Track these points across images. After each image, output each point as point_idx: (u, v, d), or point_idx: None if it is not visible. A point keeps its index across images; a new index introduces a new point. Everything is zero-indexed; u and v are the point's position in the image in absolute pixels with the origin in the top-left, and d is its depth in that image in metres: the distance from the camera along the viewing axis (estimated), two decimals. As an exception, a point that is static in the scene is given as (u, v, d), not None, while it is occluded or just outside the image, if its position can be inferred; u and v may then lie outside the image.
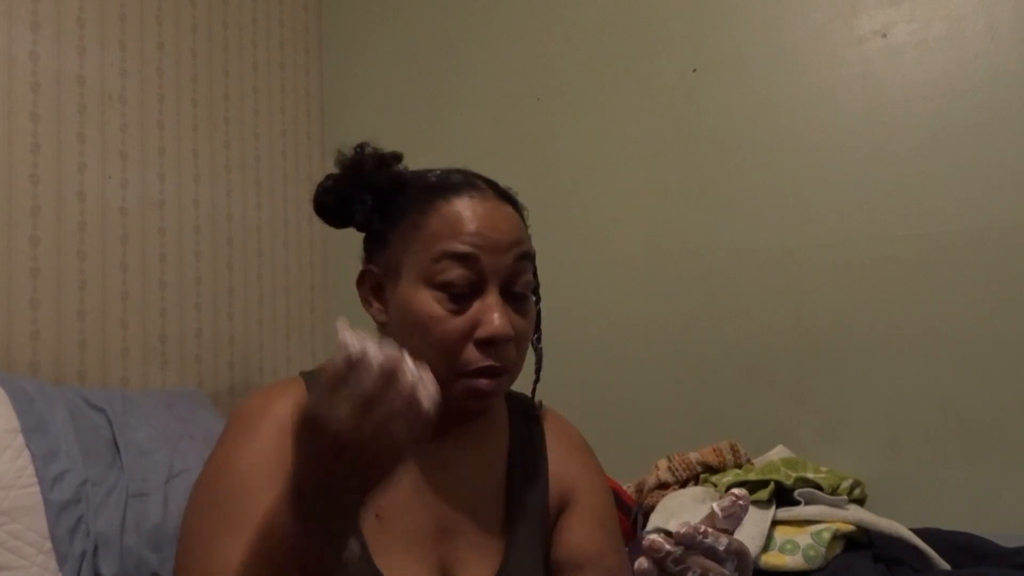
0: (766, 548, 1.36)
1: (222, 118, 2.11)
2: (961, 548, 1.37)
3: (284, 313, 2.27)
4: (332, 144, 2.42)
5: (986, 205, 1.67)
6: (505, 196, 0.81)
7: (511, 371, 0.78)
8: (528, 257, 0.79)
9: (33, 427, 1.36)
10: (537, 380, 0.89)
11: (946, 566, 1.33)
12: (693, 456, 1.68)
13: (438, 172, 0.83)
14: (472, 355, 0.75)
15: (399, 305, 0.78)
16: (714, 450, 1.68)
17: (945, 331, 1.69)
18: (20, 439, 1.33)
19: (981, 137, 1.68)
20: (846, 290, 1.78)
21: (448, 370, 0.74)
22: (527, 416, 0.91)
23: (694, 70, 1.96)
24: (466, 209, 0.77)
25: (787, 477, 1.49)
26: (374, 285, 0.82)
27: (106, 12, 1.81)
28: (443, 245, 0.75)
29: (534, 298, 0.83)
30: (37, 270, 1.64)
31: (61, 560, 1.29)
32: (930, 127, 1.73)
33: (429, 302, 0.75)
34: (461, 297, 0.75)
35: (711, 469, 1.67)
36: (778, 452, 1.73)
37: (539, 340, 0.87)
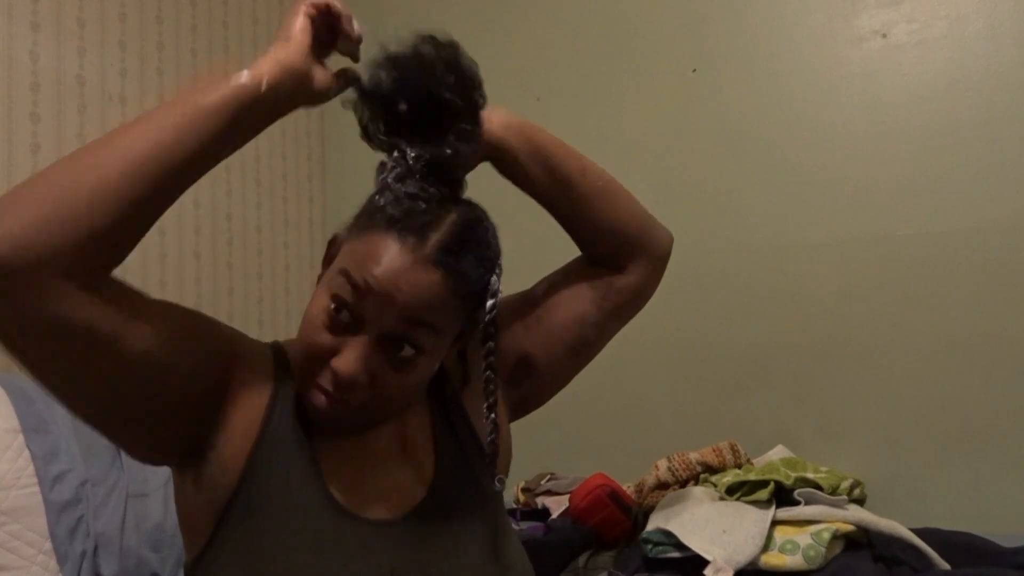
0: (766, 548, 1.36)
1: (222, 118, 2.11)
2: (961, 548, 1.37)
3: (284, 312, 2.27)
4: (332, 144, 2.44)
5: (986, 205, 1.67)
6: (445, 264, 0.75)
7: (367, 408, 0.78)
8: (424, 326, 0.76)
9: (33, 427, 1.36)
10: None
11: (946, 566, 1.33)
12: (693, 456, 1.68)
13: (422, 198, 0.78)
14: (323, 373, 0.76)
15: (315, 293, 0.80)
16: (714, 450, 1.68)
17: (945, 331, 1.69)
18: (20, 439, 1.34)
19: (981, 137, 1.68)
20: (846, 290, 1.78)
21: (306, 371, 0.78)
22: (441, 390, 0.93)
23: (694, 70, 1.96)
24: (385, 250, 0.75)
25: (787, 477, 1.49)
26: (328, 257, 0.85)
27: (106, 12, 1.81)
28: (350, 265, 0.76)
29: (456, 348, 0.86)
30: (37, 270, 1.64)
31: (61, 560, 1.29)
32: (930, 127, 1.73)
33: (320, 308, 0.77)
34: (340, 319, 0.75)
35: (711, 469, 1.67)
36: (778, 452, 1.73)
37: (489, 410, 0.83)
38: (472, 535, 0.84)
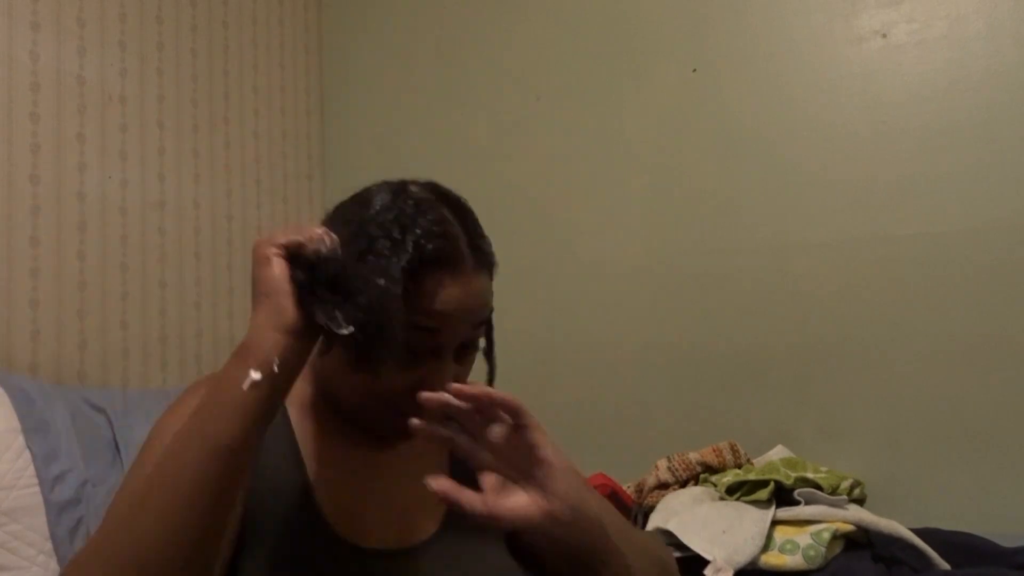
0: (766, 548, 1.36)
1: (222, 118, 2.11)
2: (961, 548, 1.37)
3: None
4: (332, 144, 2.44)
5: (986, 205, 1.67)
6: (480, 261, 0.78)
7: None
8: (487, 322, 0.81)
9: (33, 427, 1.36)
10: (491, 378, 0.90)
11: (946, 566, 1.33)
12: (693, 456, 1.68)
13: (424, 221, 0.75)
14: (411, 406, 0.73)
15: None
16: (714, 450, 1.69)
17: (945, 331, 1.69)
18: (20, 439, 1.33)
19: (981, 137, 1.68)
20: (846, 290, 1.78)
21: (383, 409, 0.78)
22: None
23: (694, 70, 1.96)
24: (442, 287, 0.75)
25: (787, 477, 1.49)
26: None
27: (106, 12, 1.81)
28: (420, 318, 0.74)
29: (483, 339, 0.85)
30: (37, 270, 1.64)
31: (61, 561, 1.29)
32: (930, 127, 1.73)
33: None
34: (414, 359, 0.76)
35: (711, 469, 1.67)
36: (778, 452, 1.73)
37: (491, 350, 0.87)
38: (490, 570, 0.82)
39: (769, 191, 1.87)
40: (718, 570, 1.30)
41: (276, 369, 0.64)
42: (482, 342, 0.85)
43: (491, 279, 0.81)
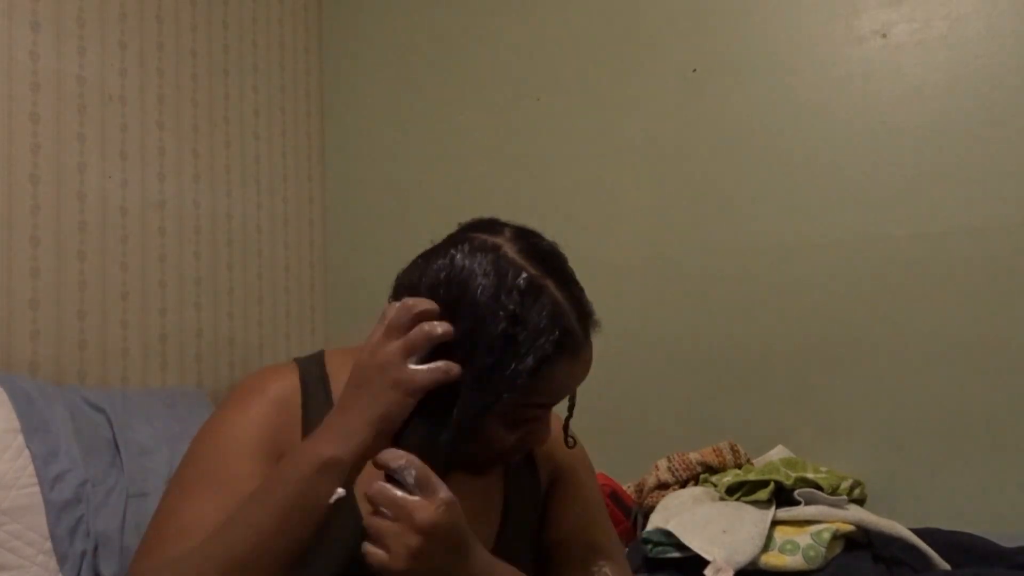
0: (766, 548, 1.36)
1: (222, 118, 2.11)
2: (961, 548, 1.37)
3: (284, 313, 2.27)
4: (332, 144, 2.44)
5: (986, 205, 1.67)
6: (588, 329, 0.80)
7: None
8: None
9: (33, 427, 1.36)
10: (570, 416, 0.89)
11: (946, 566, 1.33)
12: (693, 456, 1.68)
13: (530, 339, 0.72)
14: (513, 450, 0.78)
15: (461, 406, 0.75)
16: (714, 450, 1.69)
17: (945, 331, 1.69)
18: (20, 439, 1.34)
19: (981, 137, 1.68)
20: (846, 290, 1.78)
21: (487, 456, 0.78)
22: None
23: (694, 70, 1.96)
24: (564, 375, 0.76)
25: (787, 477, 1.49)
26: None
27: (106, 12, 1.81)
28: (536, 399, 0.75)
29: None
30: (37, 270, 1.64)
31: (61, 560, 1.29)
32: (930, 127, 1.73)
33: (499, 432, 0.76)
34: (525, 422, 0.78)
35: (711, 469, 1.67)
36: (778, 452, 1.73)
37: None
38: None
39: (769, 191, 1.87)
40: (718, 570, 1.30)
41: (351, 486, 0.68)
42: None
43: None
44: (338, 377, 0.81)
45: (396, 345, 0.68)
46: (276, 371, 0.84)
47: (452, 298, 0.71)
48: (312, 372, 0.83)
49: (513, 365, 0.70)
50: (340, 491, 0.66)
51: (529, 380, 0.71)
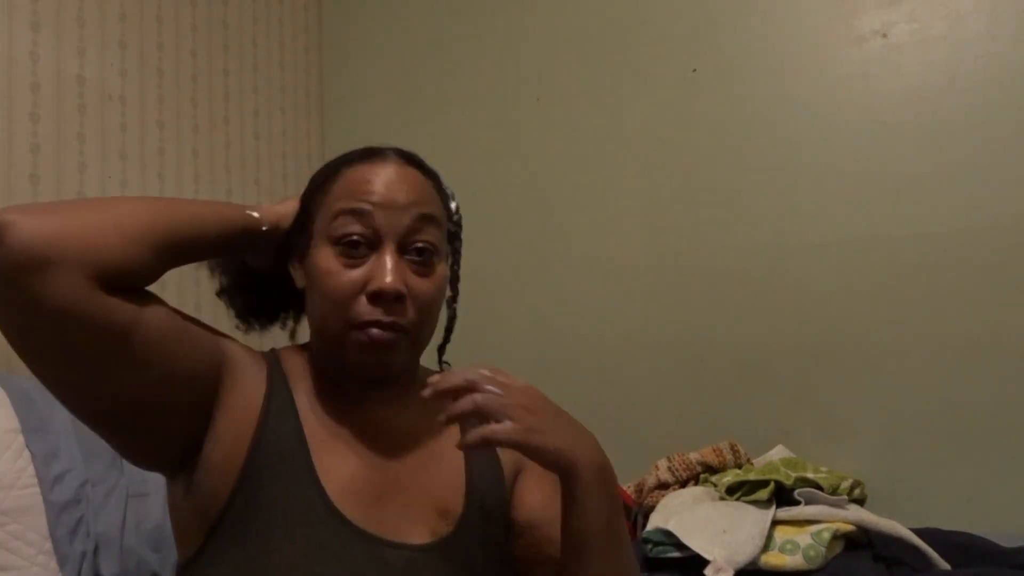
0: (766, 548, 1.36)
1: (222, 118, 2.11)
2: (961, 548, 1.37)
3: (284, 313, 2.27)
4: (332, 144, 2.44)
5: (986, 205, 1.67)
6: (411, 161, 0.85)
7: (411, 331, 0.80)
8: (429, 219, 0.82)
9: (33, 427, 1.36)
10: (446, 341, 0.93)
11: (946, 566, 1.33)
12: (693, 456, 1.68)
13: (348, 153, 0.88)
14: (363, 308, 0.78)
15: (310, 265, 0.82)
16: (714, 450, 1.69)
17: (945, 331, 1.69)
18: (20, 439, 1.33)
19: (981, 137, 1.68)
20: (846, 290, 1.78)
21: (341, 322, 0.79)
22: None
23: (694, 70, 1.96)
24: (367, 172, 0.82)
25: (787, 477, 1.49)
26: (298, 255, 0.86)
27: (106, 12, 1.81)
28: (342, 203, 0.81)
29: (448, 262, 0.87)
30: (37, 270, 1.64)
31: (61, 560, 1.29)
32: (930, 127, 1.73)
33: (328, 257, 0.79)
34: (357, 253, 0.79)
35: (711, 469, 1.67)
36: (778, 452, 1.73)
37: (454, 300, 0.90)
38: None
39: (769, 191, 1.87)
40: (718, 570, 1.30)
41: (263, 228, 0.83)
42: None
43: (432, 184, 0.85)
44: (294, 374, 0.84)
45: None
46: (256, 355, 0.86)
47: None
48: (275, 366, 0.85)
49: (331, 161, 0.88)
50: (256, 214, 0.83)
51: (333, 176, 0.85)
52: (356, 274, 0.78)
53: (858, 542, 1.41)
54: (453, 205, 0.89)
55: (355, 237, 0.78)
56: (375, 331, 0.77)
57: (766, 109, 1.88)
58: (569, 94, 2.11)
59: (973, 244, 1.68)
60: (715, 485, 1.60)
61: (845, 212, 1.79)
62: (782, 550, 1.35)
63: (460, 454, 0.86)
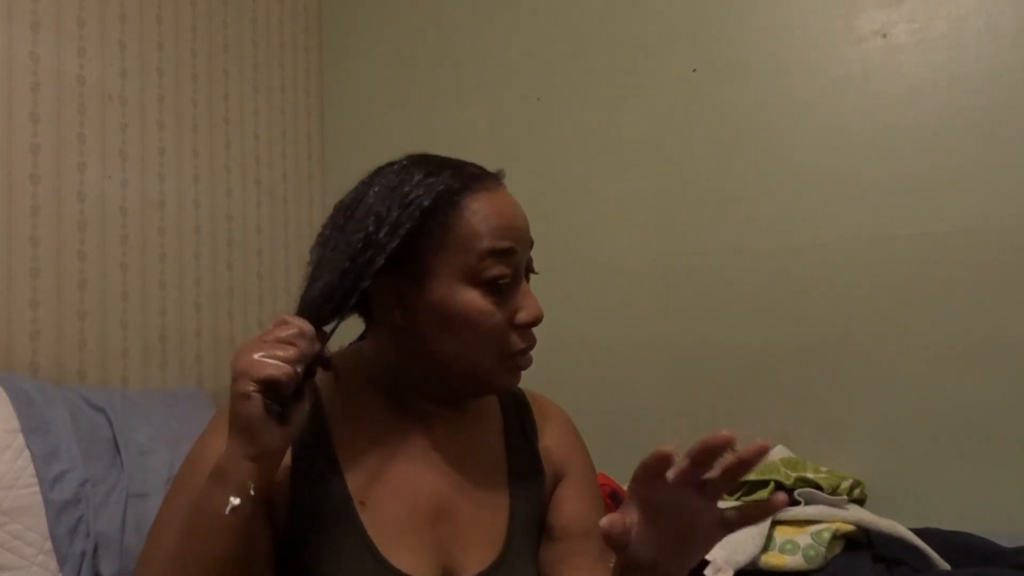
0: (766, 548, 1.36)
1: (222, 118, 2.11)
2: (961, 548, 1.37)
3: (284, 313, 2.27)
4: (332, 144, 2.44)
5: (986, 205, 1.67)
6: (498, 177, 0.85)
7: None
8: (532, 242, 0.83)
9: (33, 427, 1.36)
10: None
11: (946, 566, 1.33)
12: (693, 456, 1.68)
13: (442, 169, 0.79)
14: (515, 340, 0.79)
15: (433, 307, 0.77)
16: (714, 450, 1.68)
17: (945, 331, 1.69)
18: (20, 439, 1.33)
19: (981, 137, 1.68)
20: (846, 290, 1.78)
21: (495, 356, 0.79)
22: (515, 398, 0.93)
23: (694, 70, 1.96)
24: (496, 204, 0.78)
25: (787, 477, 1.49)
26: (394, 293, 0.79)
27: (106, 12, 1.81)
28: (486, 243, 0.76)
29: None
30: (37, 270, 1.64)
31: (61, 560, 1.29)
32: (930, 127, 1.73)
33: (476, 299, 0.77)
34: (503, 290, 0.78)
35: (711, 469, 1.66)
36: (778, 452, 1.73)
37: None
38: None
39: (769, 191, 1.87)
40: (718, 570, 1.30)
41: (252, 492, 0.69)
42: None
43: None
44: (333, 405, 0.81)
45: (251, 342, 0.71)
46: None
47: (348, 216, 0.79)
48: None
49: (399, 211, 0.75)
50: (234, 500, 0.68)
51: (452, 213, 0.75)
52: (505, 311, 0.78)
53: (858, 542, 1.41)
54: None
55: (505, 280, 0.77)
56: (525, 359, 0.80)
57: (766, 109, 1.88)
58: (569, 94, 2.11)
59: (973, 244, 1.68)
60: (715, 485, 1.59)
61: (845, 213, 1.79)
62: (782, 550, 1.35)
63: (503, 467, 0.86)
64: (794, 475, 1.50)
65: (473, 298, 0.76)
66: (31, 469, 1.31)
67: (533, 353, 0.82)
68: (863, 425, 1.75)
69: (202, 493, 0.69)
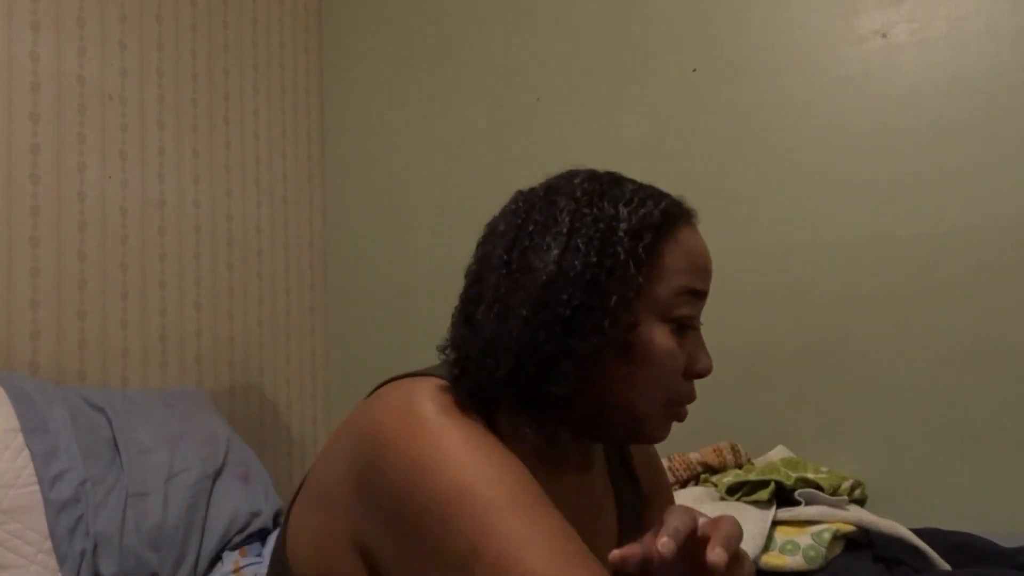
0: (766, 548, 1.36)
1: (222, 118, 2.11)
2: (961, 548, 1.37)
3: (284, 313, 2.27)
4: (332, 144, 2.44)
5: (986, 205, 1.67)
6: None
7: None
8: None
9: (33, 427, 1.36)
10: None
11: (946, 566, 1.33)
12: (693, 456, 1.68)
13: (647, 195, 0.74)
14: (686, 388, 0.74)
15: (637, 338, 0.70)
16: (714, 450, 1.68)
17: (945, 331, 1.69)
18: (20, 439, 1.34)
19: (981, 137, 1.68)
20: (846, 290, 1.78)
21: (663, 400, 0.72)
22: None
23: (694, 70, 1.96)
24: (699, 242, 0.75)
25: (787, 477, 1.49)
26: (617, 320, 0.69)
27: (106, 12, 1.81)
28: (686, 281, 0.72)
29: None
30: (37, 270, 1.64)
31: (61, 559, 1.29)
32: (930, 127, 1.73)
33: (665, 335, 0.71)
34: (686, 332, 0.74)
35: (711, 469, 1.67)
36: (778, 452, 1.73)
37: None
38: None
39: (769, 191, 1.87)
40: (718, 570, 1.29)
41: None
42: None
43: None
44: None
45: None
46: (426, 388, 0.69)
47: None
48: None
49: (617, 243, 0.68)
50: None
51: (664, 229, 0.70)
52: (684, 355, 0.73)
53: (858, 542, 1.41)
54: None
55: (691, 323, 0.73)
56: (684, 411, 0.74)
57: (766, 109, 1.88)
58: (569, 94, 2.11)
59: (973, 244, 1.68)
60: (715, 485, 1.59)
61: (845, 212, 1.79)
62: (782, 550, 1.35)
63: (610, 495, 0.83)
64: (794, 475, 1.50)
65: (662, 333, 0.71)
66: (31, 468, 1.31)
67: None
68: (863, 425, 1.75)
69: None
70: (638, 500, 0.88)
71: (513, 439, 0.68)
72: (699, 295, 0.74)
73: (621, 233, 0.69)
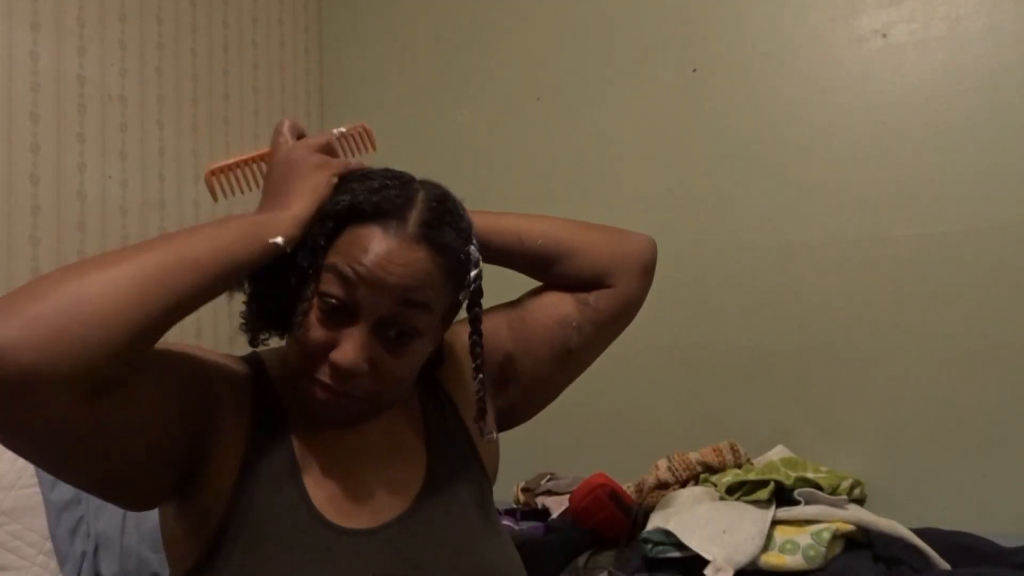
0: (766, 548, 1.36)
1: (222, 118, 2.11)
2: (961, 548, 1.37)
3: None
4: (332, 144, 2.43)
5: (986, 205, 1.67)
6: (427, 242, 0.78)
7: (366, 399, 0.80)
8: (416, 305, 0.78)
9: (33, 427, 1.36)
10: (480, 413, 0.89)
11: (946, 566, 1.33)
12: (693, 456, 1.68)
13: (390, 187, 0.81)
14: (322, 369, 0.78)
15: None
16: (714, 450, 1.68)
17: (945, 332, 1.69)
18: (20, 439, 1.33)
19: (981, 137, 1.68)
20: (846, 290, 1.78)
21: (301, 369, 0.79)
22: (428, 377, 0.94)
23: (694, 70, 1.96)
24: (369, 237, 0.77)
25: (787, 477, 1.49)
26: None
27: (106, 12, 1.81)
28: (335, 260, 0.78)
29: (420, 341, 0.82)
30: (37, 270, 1.64)
31: (61, 560, 1.29)
32: (930, 127, 1.73)
33: (312, 307, 0.78)
34: (335, 314, 0.77)
35: (711, 469, 1.67)
36: (778, 452, 1.73)
37: (478, 371, 0.87)
38: (462, 538, 0.83)
39: (769, 191, 1.87)
40: (718, 570, 1.30)
41: (288, 249, 0.76)
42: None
43: (442, 273, 0.79)
44: (283, 381, 0.85)
45: (309, 142, 0.86)
46: (235, 368, 0.85)
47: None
48: (261, 375, 0.86)
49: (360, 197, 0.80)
50: (280, 238, 0.76)
51: (345, 226, 0.79)
52: (325, 335, 0.77)
53: (858, 542, 1.41)
54: (473, 273, 0.82)
55: (334, 301, 0.76)
56: (324, 394, 0.78)
57: (766, 109, 1.88)
58: (569, 94, 2.10)
59: (973, 245, 1.68)
60: (715, 485, 1.59)
61: (845, 213, 1.79)
62: (782, 550, 1.35)
63: (421, 435, 0.89)
64: (794, 475, 1.50)
65: (311, 303, 0.78)
66: (31, 469, 1.31)
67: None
68: (863, 425, 1.75)
69: (246, 225, 0.78)
70: (451, 411, 0.92)
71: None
72: (341, 276, 0.77)
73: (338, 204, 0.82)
